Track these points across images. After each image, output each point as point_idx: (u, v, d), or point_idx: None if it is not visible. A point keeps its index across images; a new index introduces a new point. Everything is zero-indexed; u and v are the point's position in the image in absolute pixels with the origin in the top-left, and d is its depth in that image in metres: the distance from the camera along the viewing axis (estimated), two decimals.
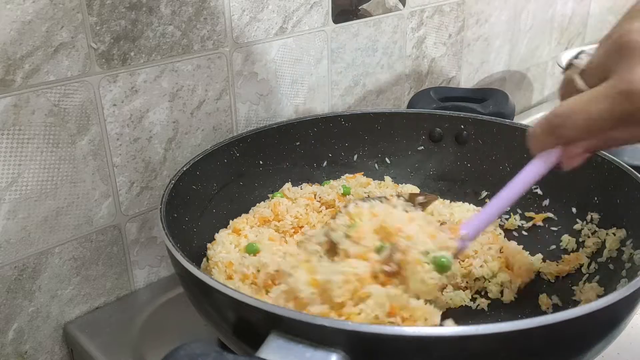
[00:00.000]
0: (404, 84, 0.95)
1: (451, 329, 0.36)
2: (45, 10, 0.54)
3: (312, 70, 0.79)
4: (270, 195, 0.67)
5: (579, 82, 0.44)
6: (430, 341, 0.36)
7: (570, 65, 0.47)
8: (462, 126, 0.72)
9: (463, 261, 0.60)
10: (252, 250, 0.56)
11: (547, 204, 0.66)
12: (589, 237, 0.60)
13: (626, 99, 0.40)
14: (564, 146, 0.45)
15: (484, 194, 0.71)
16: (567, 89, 0.46)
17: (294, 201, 0.66)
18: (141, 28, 0.61)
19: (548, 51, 1.25)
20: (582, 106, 0.42)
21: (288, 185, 0.69)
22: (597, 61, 0.44)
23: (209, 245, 0.59)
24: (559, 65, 0.93)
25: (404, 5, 0.89)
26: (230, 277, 0.54)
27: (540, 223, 0.66)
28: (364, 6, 0.83)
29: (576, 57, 0.47)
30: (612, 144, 0.44)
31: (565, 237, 0.62)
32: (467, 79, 1.08)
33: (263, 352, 0.37)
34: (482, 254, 0.60)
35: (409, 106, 0.86)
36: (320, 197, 0.67)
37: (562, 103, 0.44)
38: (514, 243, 0.63)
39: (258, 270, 0.54)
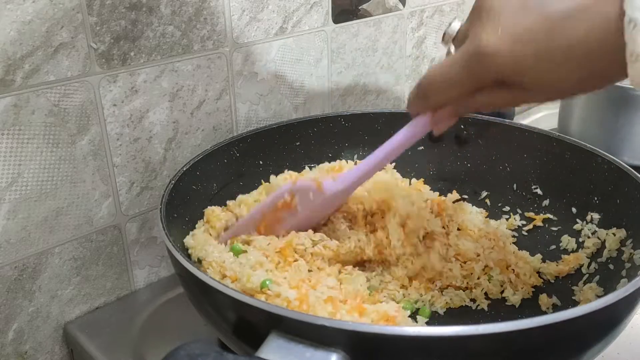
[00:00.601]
0: (404, 84, 0.95)
1: (451, 328, 0.36)
2: (45, 10, 0.54)
3: (312, 70, 0.79)
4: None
5: (452, 50, 0.47)
6: (430, 341, 0.36)
7: (444, 34, 0.49)
8: (462, 126, 0.72)
9: (465, 263, 0.60)
10: (237, 251, 0.56)
11: (547, 204, 0.66)
12: (589, 237, 0.60)
13: (476, 60, 0.41)
14: (433, 111, 0.47)
15: (484, 194, 0.71)
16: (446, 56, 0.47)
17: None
18: (141, 28, 0.61)
19: None
20: (442, 70, 0.44)
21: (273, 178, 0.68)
22: (463, 27, 0.45)
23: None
24: None
25: (404, 5, 0.89)
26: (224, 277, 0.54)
27: (540, 223, 0.66)
28: (364, 6, 0.83)
29: (449, 26, 0.49)
30: (479, 108, 0.45)
31: (565, 237, 0.62)
32: None
33: (263, 352, 0.37)
34: (484, 257, 0.59)
35: None
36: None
37: (430, 68, 0.46)
38: (515, 248, 0.63)
39: None
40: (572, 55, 0.37)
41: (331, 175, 0.56)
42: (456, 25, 0.47)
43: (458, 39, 0.46)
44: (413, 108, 0.49)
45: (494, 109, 0.45)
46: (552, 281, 0.59)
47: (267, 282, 0.48)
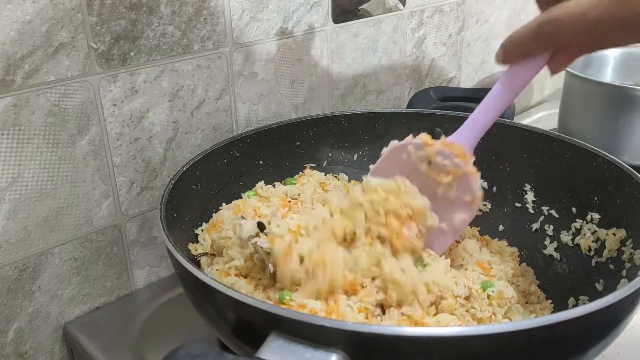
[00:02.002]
0: (404, 84, 0.95)
1: (451, 329, 0.36)
2: (45, 10, 0.54)
3: (312, 70, 0.79)
4: (243, 195, 0.66)
5: None
6: (430, 341, 0.36)
7: None
8: None
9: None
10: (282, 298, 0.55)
11: (547, 204, 0.66)
12: (589, 237, 0.60)
13: (623, 2, 0.39)
14: (555, 51, 0.45)
15: (484, 193, 0.71)
16: None
17: (267, 200, 0.65)
18: (141, 28, 0.61)
19: None
20: (581, 9, 0.41)
21: (261, 184, 0.68)
22: None
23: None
24: None
25: (404, 5, 0.89)
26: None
27: (538, 225, 0.66)
28: (364, 6, 0.83)
29: None
30: (603, 47, 0.44)
31: (565, 237, 0.62)
32: (467, 79, 1.08)
33: (263, 352, 0.37)
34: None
35: (408, 106, 0.86)
36: (291, 197, 0.67)
37: (553, 9, 0.44)
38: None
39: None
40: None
41: (444, 144, 0.54)
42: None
43: None
44: (521, 50, 0.47)
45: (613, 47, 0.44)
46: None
47: (286, 296, 0.47)
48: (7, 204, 0.56)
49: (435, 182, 0.54)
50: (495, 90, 0.50)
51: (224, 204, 0.64)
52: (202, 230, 0.60)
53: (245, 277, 0.53)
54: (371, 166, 0.57)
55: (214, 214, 0.62)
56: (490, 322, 0.51)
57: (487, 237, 0.65)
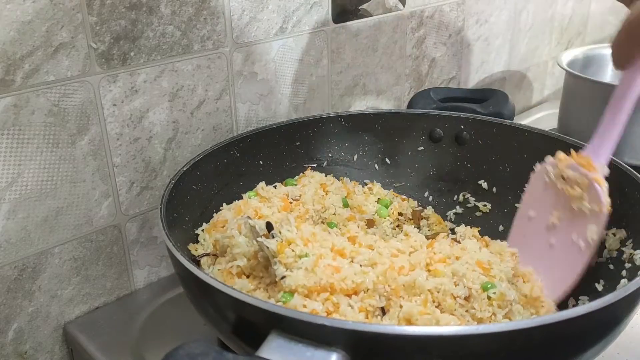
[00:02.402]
0: (404, 84, 0.95)
1: (451, 328, 0.36)
2: (45, 10, 0.54)
3: (312, 70, 0.79)
4: (243, 195, 0.66)
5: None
6: (430, 341, 0.36)
7: None
8: (462, 126, 0.72)
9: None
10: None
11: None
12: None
13: None
14: None
15: (484, 194, 0.71)
16: None
17: (268, 200, 0.65)
18: (141, 28, 0.61)
19: (548, 51, 1.26)
20: None
21: (262, 184, 0.67)
22: None
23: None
24: (559, 66, 0.93)
25: (404, 5, 0.89)
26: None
27: None
28: (364, 6, 0.83)
29: None
30: None
31: None
32: (467, 79, 1.08)
33: (263, 351, 0.37)
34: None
35: (409, 106, 0.86)
36: (292, 198, 0.67)
37: (633, 9, 0.42)
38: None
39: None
40: None
41: (577, 160, 0.53)
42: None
43: None
44: (623, 57, 0.45)
45: None
46: None
47: (289, 298, 0.47)
48: (7, 204, 0.56)
49: (570, 196, 0.54)
50: (614, 99, 0.49)
51: (224, 204, 0.64)
52: (203, 230, 0.60)
53: (248, 276, 0.53)
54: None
55: (214, 214, 0.62)
56: (490, 322, 0.51)
57: (487, 237, 0.65)
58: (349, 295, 0.48)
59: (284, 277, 0.48)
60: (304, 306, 0.46)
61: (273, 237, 0.52)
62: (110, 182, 0.63)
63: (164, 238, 0.49)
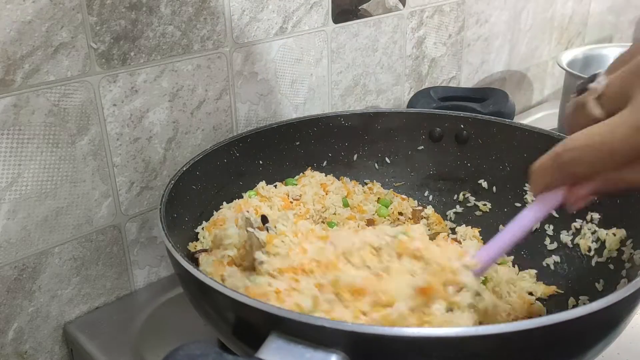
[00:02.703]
0: (404, 84, 0.95)
1: (451, 329, 0.36)
2: (45, 10, 0.54)
3: (312, 70, 0.79)
4: (244, 195, 0.66)
5: (596, 110, 0.39)
6: (430, 342, 0.36)
7: (584, 89, 0.41)
8: (462, 126, 0.72)
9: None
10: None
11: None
12: (589, 237, 0.60)
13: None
14: (570, 186, 0.41)
15: (484, 193, 0.71)
16: (578, 116, 0.41)
17: (269, 200, 0.65)
18: (141, 28, 0.61)
19: (548, 51, 1.26)
20: (601, 139, 0.37)
21: (262, 184, 0.68)
22: (616, 85, 0.38)
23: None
24: (559, 65, 0.93)
25: (404, 5, 0.89)
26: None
27: (538, 225, 0.66)
28: (364, 6, 0.83)
29: (591, 79, 0.40)
30: (622, 186, 0.39)
31: (565, 237, 0.62)
32: (467, 79, 1.08)
33: (263, 352, 0.37)
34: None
35: (409, 106, 0.86)
36: (292, 197, 0.67)
37: (573, 136, 0.39)
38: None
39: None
40: None
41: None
42: (603, 81, 0.39)
43: (606, 98, 0.39)
44: (543, 182, 0.42)
45: (632, 188, 0.39)
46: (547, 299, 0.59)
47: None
48: (7, 204, 0.56)
49: None
50: (517, 219, 0.46)
51: (224, 203, 0.64)
52: (203, 228, 0.60)
53: (239, 266, 0.54)
54: None
55: (214, 213, 0.62)
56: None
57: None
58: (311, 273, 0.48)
59: (262, 262, 0.49)
60: (269, 284, 0.45)
61: (267, 230, 0.52)
62: (110, 182, 0.63)
63: (163, 238, 0.49)
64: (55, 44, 0.55)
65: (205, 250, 0.57)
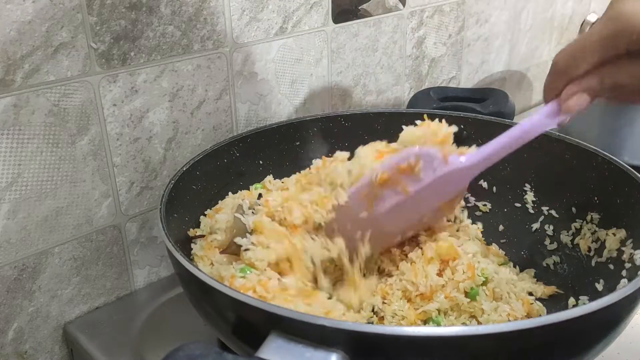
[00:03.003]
0: (404, 84, 0.95)
1: (451, 328, 0.36)
2: (45, 10, 0.54)
3: (312, 70, 0.79)
4: (251, 187, 0.66)
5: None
6: (430, 341, 0.36)
7: (583, 23, 0.49)
8: (462, 126, 0.72)
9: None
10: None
11: (547, 204, 0.66)
12: (588, 237, 0.60)
13: (615, 21, 0.41)
14: (564, 88, 0.46)
15: (484, 194, 0.71)
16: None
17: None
18: (141, 28, 0.61)
19: (548, 51, 1.25)
20: (577, 41, 0.44)
21: (269, 177, 0.68)
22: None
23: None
24: None
25: (404, 5, 0.89)
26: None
27: (538, 225, 0.66)
28: (364, 6, 0.83)
29: (587, 16, 0.48)
30: (610, 84, 0.44)
31: (565, 237, 0.62)
32: (467, 79, 1.08)
33: (263, 352, 0.37)
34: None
35: (409, 106, 0.86)
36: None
37: (562, 50, 0.46)
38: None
39: None
40: None
41: (456, 151, 0.53)
42: (594, 17, 0.47)
43: None
44: (550, 91, 0.47)
45: (623, 91, 0.45)
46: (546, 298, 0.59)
47: (247, 271, 0.50)
48: (7, 204, 0.56)
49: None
50: (521, 124, 0.50)
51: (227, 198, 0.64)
52: (205, 215, 0.60)
53: (223, 251, 0.55)
54: None
55: (219, 202, 0.63)
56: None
57: (491, 246, 0.65)
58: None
59: (247, 249, 0.51)
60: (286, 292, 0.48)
61: (254, 209, 0.54)
62: (110, 182, 0.63)
63: (163, 238, 0.49)
64: (55, 44, 0.55)
65: (203, 236, 0.58)
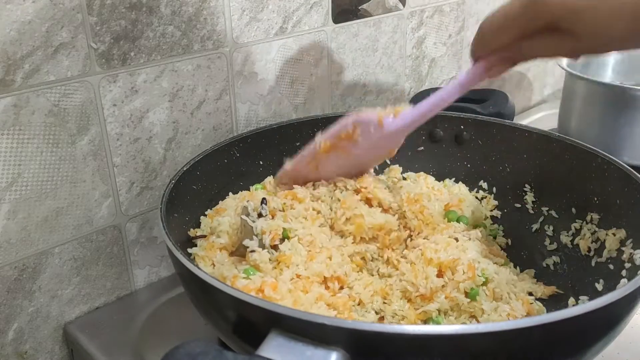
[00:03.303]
0: (404, 84, 0.95)
1: (451, 327, 0.36)
2: (45, 10, 0.54)
3: (312, 70, 0.79)
4: (251, 187, 0.66)
5: None
6: (430, 340, 0.36)
7: None
8: (462, 127, 0.72)
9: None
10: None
11: (547, 204, 0.66)
12: (588, 237, 0.60)
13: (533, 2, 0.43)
14: (489, 54, 0.50)
15: (484, 194, 0.71)
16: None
17: (275, 194, 0.65)
18: (141, 28, 0.61)
19: None
20: (499, 10, 0.46)
21: (270, 178, 0.67)
22: None
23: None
24: (559, 66, 0.93)
25: (404, 5, 0.89)
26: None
27: (538, 225, 0.66)
28: (364, 6, 0.83)
29: None
30: (530, 54, 0.48)
31: (565, 237, 0.62)
32: None
33: (263, 350, 0.37)
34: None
35: None
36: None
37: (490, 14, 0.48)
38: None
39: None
40: (626, 7, 0.40)
41: (391, 113, 0.57)
42: None
43: None
44: (473, 51, 0.51)
45: (544, 59, 0.49)
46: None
47: (251, 272, 0.50)
48: (7, 204, 0.56)
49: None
50: (451, 83, 0.54)
51: (228, 197, 0.64)
52: (206, 215, 0.60)
53: (230, 252, 0.55)
54: None
55: (220, 202, 0.63)
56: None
57: (493, 247, 0.65)
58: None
59: (253, 251, 0.52)
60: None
61: (262, 214, 0.55)
62: (110, 182, 0.63)
63: (164, 238, 0.49)
64: (55, 44, 0.55)
65: (204, 236, 0.58)
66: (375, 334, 0.36)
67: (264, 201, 0.56)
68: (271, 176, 0.67)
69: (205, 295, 0.45)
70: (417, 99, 0.85)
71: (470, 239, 0.61)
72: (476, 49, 0.51)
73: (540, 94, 1.30)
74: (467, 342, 0.36)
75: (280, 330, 0.38)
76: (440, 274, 0.54)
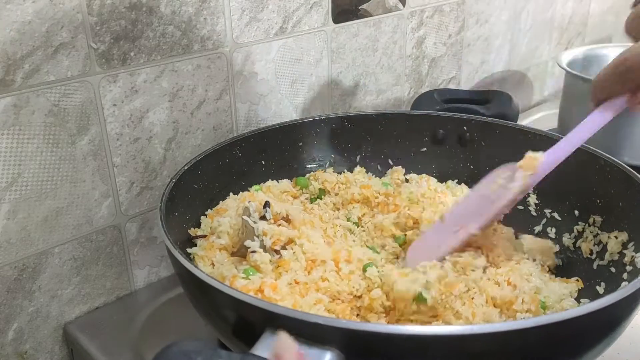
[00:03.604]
0: (404, 84, 0.95)
1: (448, 328, 0.36)
2: (45, 11, 0.54)
3: (312, 70, 0.79)
4: (249, 189, 0.66)
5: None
6: (427, 340, 0.36)
7: None
8: (465, 128, 0.72)
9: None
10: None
11: (550, 206, 0.66)
12: (591, 239, 0.60)
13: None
14: (632, 93, 0.47)
15: None
16: (635, 24, 0.48)
17: (275, 197, 0.65)
18: (141, 28, 0.61)
19: (548, 51, 1.25)
20: (615, 71, 0.45)
21: (270, 183, 0.68)
22: None
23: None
24: (559, 66, 0.93)
25: (404, 5, 0.89)
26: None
27: (541, 228, 0.65)
28: (364, 6, 0.83)
29: None
30: None
31: (567, 240, 0.62)
32: (467, 79, 1.08)
33: (257, 349, 0.37)
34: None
35: (412, 108, 0.86)
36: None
37: (630, 47, 0.45)
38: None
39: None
40: None
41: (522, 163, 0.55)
42: None
43: None
44: (604, 92, 0.49)
45: None
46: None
47: (250, 272, 0.50)
48: (7, 204, 0.56)
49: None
50: (578, 128, 0.53)
51: (228, 197, 0.64)
52: (206, 215, 0.61)
53: (230, 252, 0.55)
54: None
55: (220, 202, 0.63)
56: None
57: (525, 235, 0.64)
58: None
59: (254, 251, 0.52)
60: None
61: (265, 216, 0.55)
62: (110, 182, 0.63)
63: (163, 237, 0.49)
64: (55, 44, 0.55)
65: (204, 236, 0.58)
66: (370, 334, 0.35)
67: (267, 204, 0.56)
68: (270, 181, 0.67)
69: (204, 295, 0.45)
70: (420, 100, 0.85)
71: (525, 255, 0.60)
72: (618, 86, 0.49)
73: (540, 94, 1.29)
74: (464, 343, 0.36)
75: (274, 329, 0.37)
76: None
